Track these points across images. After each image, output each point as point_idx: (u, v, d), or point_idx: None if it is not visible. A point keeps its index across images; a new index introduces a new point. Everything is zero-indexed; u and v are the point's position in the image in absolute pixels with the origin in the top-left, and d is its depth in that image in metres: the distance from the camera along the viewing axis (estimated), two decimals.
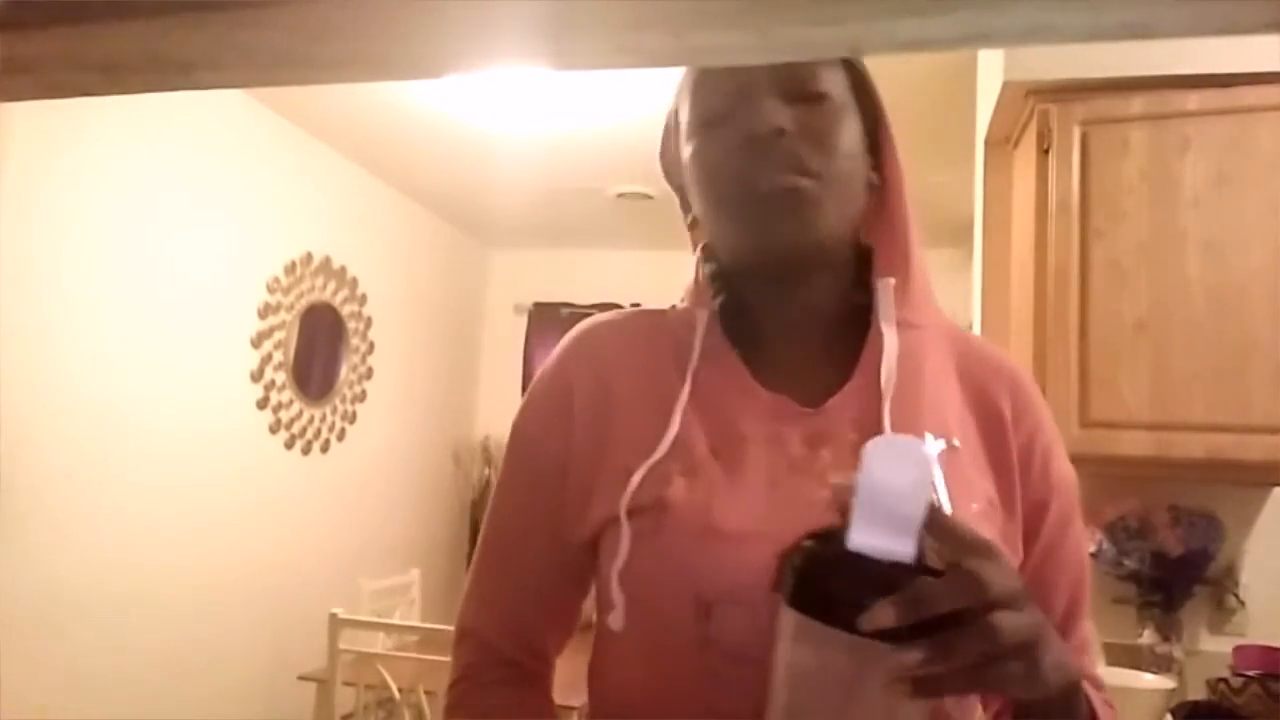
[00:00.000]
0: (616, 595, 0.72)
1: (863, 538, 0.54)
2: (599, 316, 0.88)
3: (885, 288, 0.79)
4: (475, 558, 0.87)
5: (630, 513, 0.72)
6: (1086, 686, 0.68)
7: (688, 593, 0.68)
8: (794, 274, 0.79)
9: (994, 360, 0.83)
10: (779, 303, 0.81)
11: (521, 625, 0.85)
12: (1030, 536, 0.77)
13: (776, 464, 0.73)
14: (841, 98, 0.78)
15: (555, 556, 0.81)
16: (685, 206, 0.87)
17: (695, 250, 0.86)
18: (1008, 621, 0.54)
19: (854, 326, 0.80)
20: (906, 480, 0.55)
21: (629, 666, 0.75)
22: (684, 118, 0.81)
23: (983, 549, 0.57)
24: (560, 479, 0.80)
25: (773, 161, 0.74)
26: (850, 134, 0.78)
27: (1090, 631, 0.83)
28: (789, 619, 0.57)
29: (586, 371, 0.83)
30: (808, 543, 0.58)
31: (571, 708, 0.80)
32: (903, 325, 0.79)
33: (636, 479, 0.73)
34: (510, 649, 0.84)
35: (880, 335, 0.78)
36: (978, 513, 0.72)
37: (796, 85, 0.76)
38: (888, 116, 0.82)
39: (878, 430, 0.73)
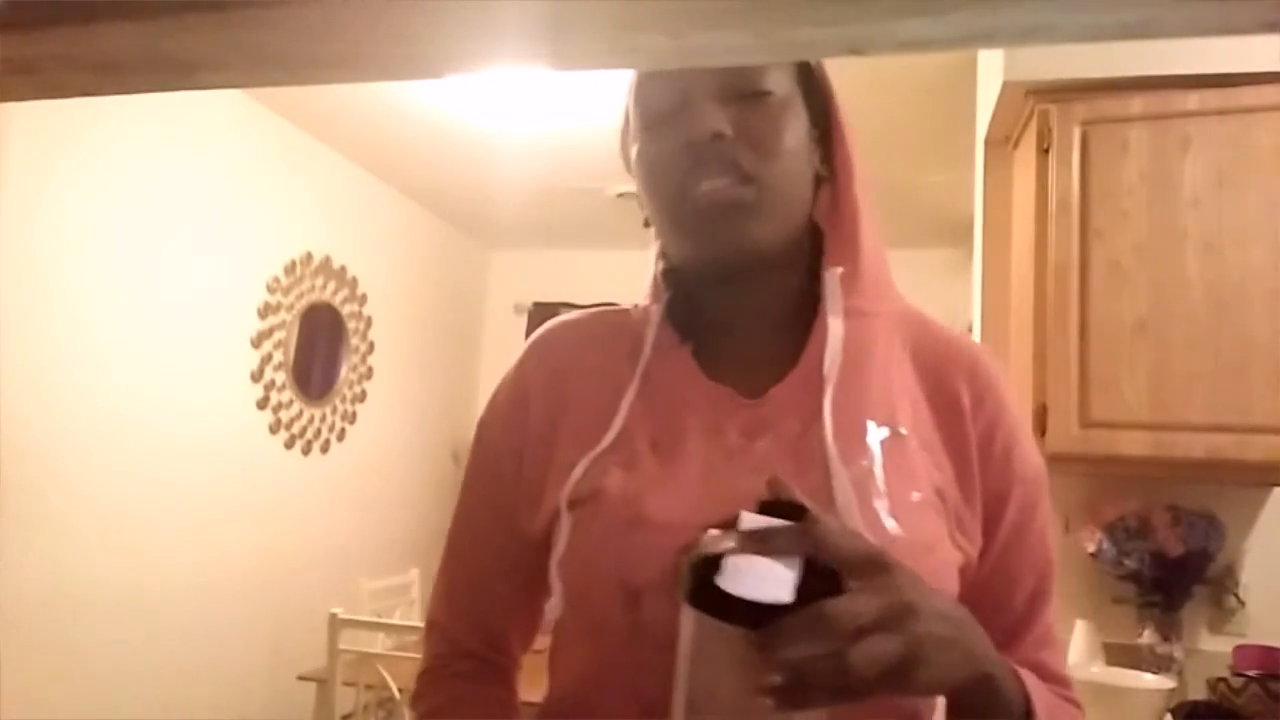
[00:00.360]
0: (555, 583, 0.73)
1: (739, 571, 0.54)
2: (562, 316, 0.89)
3: (832, 277, 0.79)
4: (443, 553, 0.89)
5: (571, 504, 0.74)
6: (1028, 679, 0.67)
7: (614, 580, 0.69)
8: (739, 275, 0.79)
9: (953, 346, 0.82)
10: (727, 298, 0.81)
11: (483, 620, 0.86)
12: (991, 525, 0.76)
13: (713, 455, 0.73)
14: (786, 92, 0.77)
15: (513, 553, 0.82)
16: (642, 203, 0.86)
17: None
18: (863, 655, 0.53)
19: (804, 317, 0.80)
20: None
21: (569, 653, 0.77)
22: (632, 117, 0.81)
23: (867, 569, 0.57)
24: (516, 477, 0.81)
25: (710, 167, 0.73)
26: (795, 129, 0.77)
27: (1053, 622, 0.81)
28: (687, 614, 0.57)
29: (544, 371, 0.84)
30: (710, 532, 0.58)
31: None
32: (852, 313, 0.78)
33: (578, 472, 0.74)
34: (473, 642, 0.86)
35: (826, 325, 0.77)
36: (919, 501, 0.72)
37: (738, 84, 0.75)
38: (838, 105, 0.81)
39: (818, 419, 0.73)
